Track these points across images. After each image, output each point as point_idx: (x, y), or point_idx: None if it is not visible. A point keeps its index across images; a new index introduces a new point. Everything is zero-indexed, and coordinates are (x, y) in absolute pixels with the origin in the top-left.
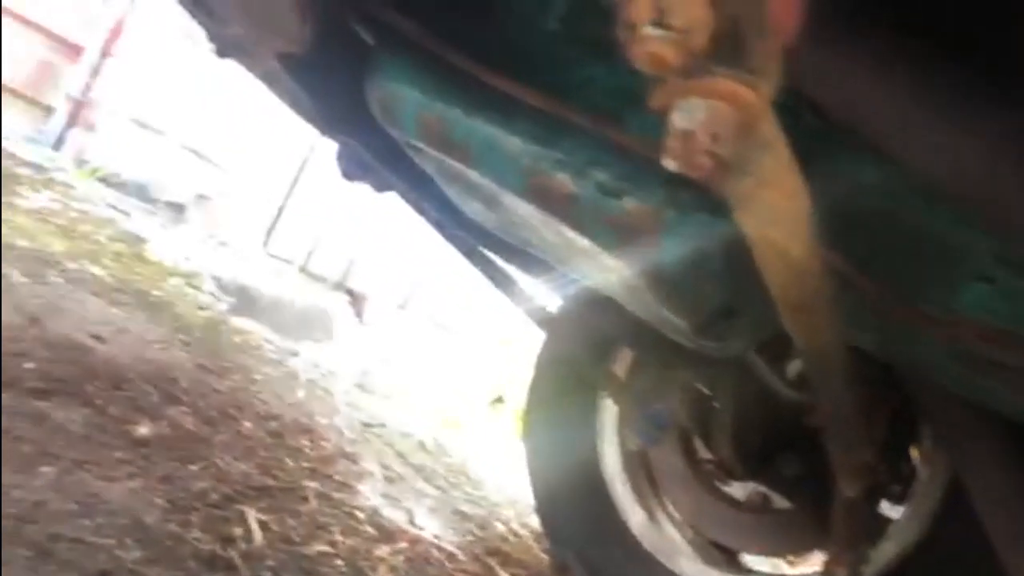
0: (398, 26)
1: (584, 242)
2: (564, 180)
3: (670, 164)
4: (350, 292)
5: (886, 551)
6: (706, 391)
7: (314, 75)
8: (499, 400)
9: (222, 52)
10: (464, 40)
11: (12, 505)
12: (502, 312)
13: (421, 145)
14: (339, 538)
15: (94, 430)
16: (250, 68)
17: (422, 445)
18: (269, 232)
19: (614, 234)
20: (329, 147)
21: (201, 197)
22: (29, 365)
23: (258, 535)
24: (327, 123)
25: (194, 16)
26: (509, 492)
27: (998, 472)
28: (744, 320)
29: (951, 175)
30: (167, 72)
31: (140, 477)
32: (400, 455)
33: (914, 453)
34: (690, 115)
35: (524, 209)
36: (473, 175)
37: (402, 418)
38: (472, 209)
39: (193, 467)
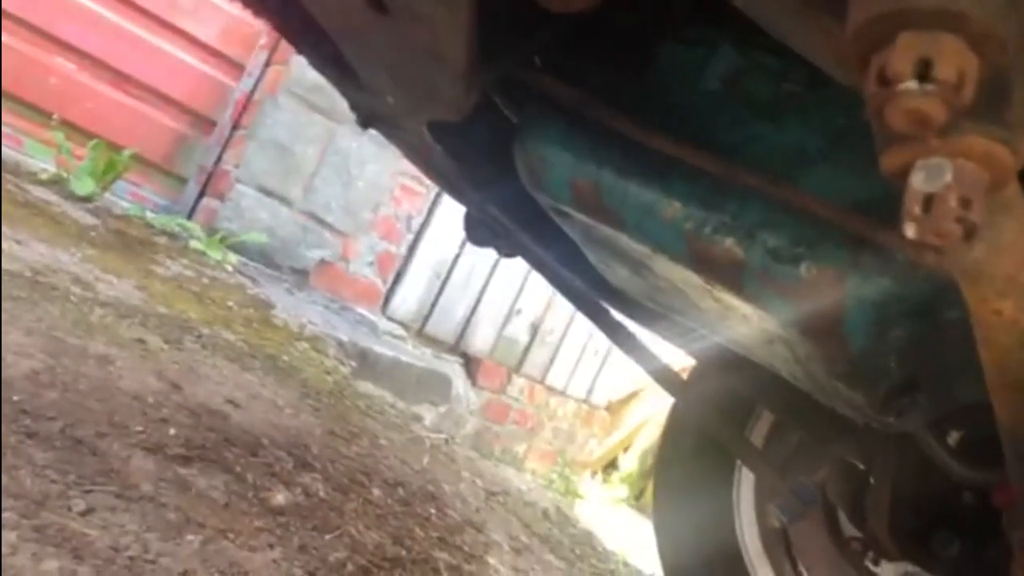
0: (552, 91)
1: (747, 310)
2: (731, 245)
3: (909, 231)
4: (465, 355)
5: None
6: (860, 465)
7: (461, 141)
8: (612, 465)
9: (366, 123)
10: (620, 102)
11: (161, 574)
12: (611, 376)
13: (571, 210)
14: None
15: (234, 498)
16: (390, 136)
17: (546, 514)
18: (387, 295)
19: (788, 302)
20: (445, 213)
21: (323, 262)
22: (172, 431)
23: None
24: (469, 188)
25: (339, 88)
26: (636, 564)
27: None
28: (927, 395)
29: None
30: (291, 140)
31: (279, 547)
32: (525, 524)
33: None
34: (934, 177)
35: (679, 275)
36: (625, 241)
37: (523, 485)
38: (616, 275)
39: (328, 536)
